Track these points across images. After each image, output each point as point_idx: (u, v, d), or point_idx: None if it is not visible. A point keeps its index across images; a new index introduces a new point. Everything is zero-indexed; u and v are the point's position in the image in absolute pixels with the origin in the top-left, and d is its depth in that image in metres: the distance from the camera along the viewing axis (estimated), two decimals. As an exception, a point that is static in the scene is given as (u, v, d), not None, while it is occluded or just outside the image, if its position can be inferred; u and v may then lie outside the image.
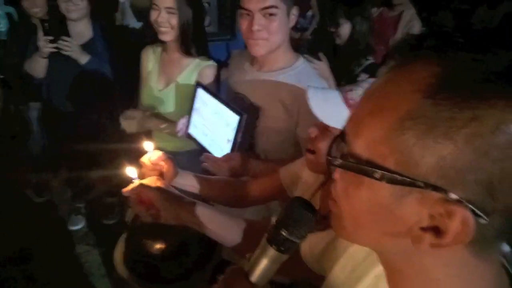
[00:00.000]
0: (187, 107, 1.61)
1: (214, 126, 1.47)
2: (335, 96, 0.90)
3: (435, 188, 0.36)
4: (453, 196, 0.36)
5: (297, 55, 1.45)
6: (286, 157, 1.27)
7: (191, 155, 1.71)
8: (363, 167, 0.40)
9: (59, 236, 2.55)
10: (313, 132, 0.94)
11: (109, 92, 2.12)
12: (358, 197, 0.42)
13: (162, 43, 1.77)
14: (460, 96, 0.35)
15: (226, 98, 1.53)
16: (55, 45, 1.95)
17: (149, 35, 1.85)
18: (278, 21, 1.31)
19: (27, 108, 2.60)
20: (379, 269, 0.52)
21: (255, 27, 1.30)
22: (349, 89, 0.89)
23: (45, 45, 1.96)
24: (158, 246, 0.99)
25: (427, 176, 0.37)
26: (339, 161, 0.43)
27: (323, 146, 0.92)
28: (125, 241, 1.06)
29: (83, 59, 2.01)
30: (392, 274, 0.48)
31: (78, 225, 2.63)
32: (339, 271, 0.64)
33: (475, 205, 0.36)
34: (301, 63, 1.43)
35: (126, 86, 2.04)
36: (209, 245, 1.00)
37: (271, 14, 1.30)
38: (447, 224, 0.37)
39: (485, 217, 0.36)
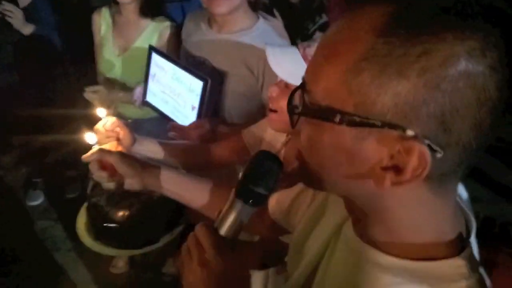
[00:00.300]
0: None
1: (175, 93, 1.41)
2: (293, 53, 0.89)
3: (392, 126, 0.37)
4: (410, 132, 0.37)
5: (257, 15, 1.41)
6: (253, 121, 1.25)
7: (155, 122, 1.66)
8: (323, 113, 0.40)
9: (17, 213, 2.46)
10: (274, 91, 0.93)
11: (58, 60, 2.00)
12: (321, 144, 0.43)
13: (115, 3, 1.66)
14: (411, 33, 0.36)
15: (184, 62, 1.46)
16: None
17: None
18: None
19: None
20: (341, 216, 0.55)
21: None
22: (307, 45, 0.88)
23: None
24: (121, 212, 0.97)
25: (383, 115, 0.37)
26: (299, 110, 0.44)
27: (284, 104, 0.90)
28: (86, 210, 1.02)
29: (27, 30, 1.87)
30: (356, 218, 0.50)
31: (37, 200, 2.53)
32: (304, 225, 0.65)
33: (431, 139, 0.37)
34: (262, 23, 1.39)
35: (78, 52, 1.93)
36: (176, 209, 0.99)
37: None
38: (405, 161, 0.38)
39: (440, 151, 0.37)
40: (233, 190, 0.57)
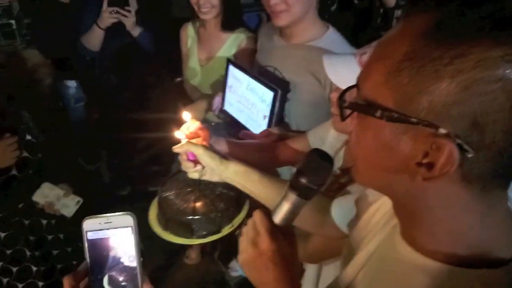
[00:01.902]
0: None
1: (249, 102, 1.49)
2: (350, 60, 0.93)
3: (426, 123, 0.40)
4: (442, 130, 0.40)
5: (326, 24, 1.44)
6: None
7: (232, 126, 1.78)
8: (367, 108, 0.45)
9: (104, 200, 2.76)
10: (335, 96, 0.98)
11: (153, 65, 2.21)
12: (366, 138, 0.47)
13: (199, 18, 1.83)
14: (449, 37, 0.39)
15: (257, 71, 1.55)
16: (117, 15, 2.01)
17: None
18: None
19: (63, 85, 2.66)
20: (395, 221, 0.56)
21: (272, 1, 1.33)
22: (363, 52, 0.92)
23: (109, 15, 2.02)
24: (187, 205, 1.09)
25: (419, 113, 0.41)
26: (347, 103, 0.49)
27: None
28: (157, 203, 1.16)
29: (136, 31, 2.09)
30: (402, 221, 0.53)
31: (124, 190, 2.84)
32: (363, 225, 0.69)
33: (462, 139, 0.39)
34: (332, 33, 1.42)
35: (170, 60, 2.13)
36: (237, 202, 1.10)
37: None
38: (436, 157, 0.41)
39: (471, 151, 0.39)
40: (288, 183, 0.63)
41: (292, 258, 0.64)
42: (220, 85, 1.71)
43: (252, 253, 0.62)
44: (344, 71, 0.93)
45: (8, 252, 1.52)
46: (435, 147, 0.41)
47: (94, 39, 2.13)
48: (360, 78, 0.48)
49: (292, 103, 1.46)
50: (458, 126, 0.39)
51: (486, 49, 0.38)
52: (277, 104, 1.37)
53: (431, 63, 0.39)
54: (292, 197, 0.63)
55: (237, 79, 1.54)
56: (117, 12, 2.01)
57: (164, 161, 2.64)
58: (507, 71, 0.37)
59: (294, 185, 0.63)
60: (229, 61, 1.58)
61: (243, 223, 1.07)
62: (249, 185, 0.95)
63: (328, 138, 1.16)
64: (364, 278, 0.59)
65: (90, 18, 2.10)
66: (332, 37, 1.42)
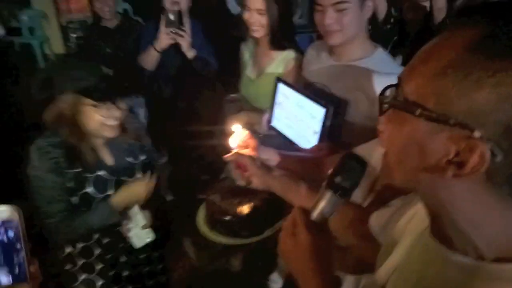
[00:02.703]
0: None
1: (298, 119, 1.54)
2: None
3: (463, 126, 0.44)
4: (477, 134, 0.44)
5: (375, 45, 1.48)
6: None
7: (280, 138, 1.83)
8: (407, 106, 0.49)
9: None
10: None
11: (210, 80, 2.33)
12: (400, 134, 0.51)
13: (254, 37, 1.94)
14: (495, 52, 0.43)
15: (304, 88, 1.60)
16: (174, 35, 2.11)
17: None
18: (350, 15, 1.36)
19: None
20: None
21: (327, 21, 1.37)
22: None
23: (166, 37, 2.12)
24: (232, 208, 1.19)
25: (457, 116, 0.45)
26: (388, 100, 0.53)
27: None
28: (205, 206, 1.27)
29: (190, 53, 2.20)
30: (433, 219, 0.56)
31: (174, 196, 2.99)
32: (399, 230, 0.73)
33: (493, 143, 0.43)
34: (380, 52, 1.46)
35: (228, 75, 2.24)
36: (280, 207, 1.16)
37: (342, 9, 1.35)
38: (468, 157, 0.44)
39: (501, 154, 0.43)
40: (324, 183, 0.70)
41: (328, 252, 0.69)
42: (268, 100, 1.78)
43: (290, 244, 0.68)
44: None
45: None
46: (468, 148, 0.44)
47: (149, 60, 2.24)
48: (402, 77, 0.52)
49: (345, 120, 1.48)
50: (491, 131, 0.43)
51: None
52: (328, 120, 1.41)
53: (476, 73, 0.44)
54: (328, 195, 0.69)
55: (286, 96, 1.60)
56: (175, 33, 2.11)
57: (214, 171, 2.76)
58: None
59: (329, 184, 0.69)
60: (278, 79, 1.64)
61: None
62: (292, 196, 1.01)
63: (374, 154, 1.19)
64: (398, 277, 0.63)
65: (147, 41, 2.24)
66: (380, 56, 1.46)
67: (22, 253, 0.68)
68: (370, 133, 1.41)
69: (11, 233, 0.67)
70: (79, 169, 1.36)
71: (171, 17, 2.08)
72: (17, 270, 0.68)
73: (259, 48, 1.98)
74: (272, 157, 1.22)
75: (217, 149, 2.23)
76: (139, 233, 1.48)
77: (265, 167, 1.06)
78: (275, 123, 1.70)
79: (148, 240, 1.51)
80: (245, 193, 1.22)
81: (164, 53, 2.25)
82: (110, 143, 1.42)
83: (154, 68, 2.29)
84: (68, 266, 1.50)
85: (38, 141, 1.33)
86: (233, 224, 1.17)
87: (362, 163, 0.68)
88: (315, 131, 1.46)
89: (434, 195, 0.51)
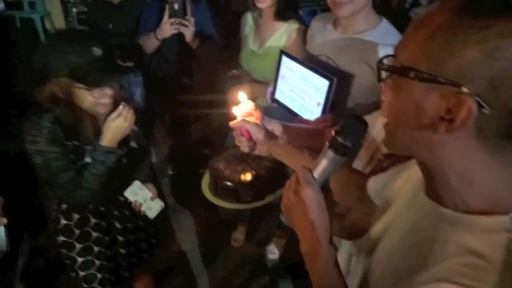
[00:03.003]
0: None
1: (303, 91, 1.55)
2: None
3: (453, 83, 0.48)
4: (465, 89, 0.47)
5: (380, 16, 1.49)
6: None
7: (282, 111, 1.82)
8: (402, 70, 0.53)
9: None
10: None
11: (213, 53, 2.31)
12: (399, 98, 0.56)
13: (257, 8, 1.93)
14: (479, 12, 0.47)
15: (308, 60, 1.60)
16: (178, 26, 2.04)
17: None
18: None
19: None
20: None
21: None
22: None
23: (169, 27, 2.04)
24: (235, 174, 1.22)
25: (447, 74, 0.48)
26: (385, 66, 0.57)
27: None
28: (209, 172, 1.31)
29: (194, 43, 2.15)
30: (427, 179, 0.60)
31: (174, 171, 3.04)
32: (394, 191, 0.76)
33: (480, 97, 0.47)
34: (385, 24, 1.46)
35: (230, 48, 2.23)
36: (281, 175, 1.19)
37: None
38: (457, 112, 0.48)
39: (488, 108, 0.47)
40: (326, 142, 0.72)
41: (328, 208, 0.72)
42: (271, 72, 1.76)
43: (293, 199, 0.72)
44: None
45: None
46: (457, 103, 0.48)
47: (149, 45, 2.20)
48: (398, 47, 0.56)
49: (348, 91, 1.51)
50: (478, 86, 0.47)
51: (509, 23, 0.45)
52: (332, 92, 1.43)
53: (462, 32, 0.47)
54: (330, 154, 0.71)
55: (290, 69, 1.60)
56: (178, 23, 2.05)
57: (214, 145, 2.80)
58: None
59: (331, 144, 0.71)
60: (282, 52, 1.64)
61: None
62: (295, 162, 1.03)
63: (376, 125, 1.21)
64: (392, 232, 0.67)
65: (149, 23, 2.18)
66: (385, 28, 1.46)
67: None
68: (373, 106, 1.46)
69: None
70: (77, 143, 1.39)
71: (175, 6, 2.03)
72: None
73: (262, 20, 1.97)
74: (276, 128, 1.25)
75: (216, 121, 2.26)
76: (150, 204, 1.61)
77: (269, 134, 1.07)
78: (278, 95, 1.71)
79: (161, 208, 1.63)
80: (248, 161, 1.24)
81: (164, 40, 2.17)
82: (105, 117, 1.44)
83: (152, 51, 2.26)
84: (64, 238, 1.55)
85: (33, 118, 1.34)
86: (236, 190, 1.20)
87: (363, 123, 0.71)
88: (319, 102, 1.48)
89: (430, 155, 0.55)
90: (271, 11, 1.89)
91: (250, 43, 2.02)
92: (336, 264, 0.70)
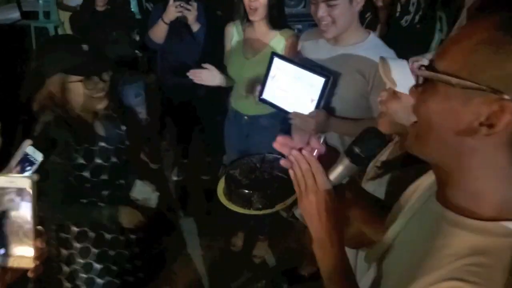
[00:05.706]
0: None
1: (295, 90, 1.63)
2: (402, 65, 1.07)
3: (495, 91, 0.52)
4: (506, 96, 0.52)
5: (368, 31, 1.64)
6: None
7: (269, 118, 1.98)
8: (445, 77, 0.56)
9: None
10: (383, 95, 1.13)
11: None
12: (434, 103, 0.59)
13: (247, 20, 1.97)
14: None
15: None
16: (181, 8, 2.23)
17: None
18: (340, 9, 1.50)
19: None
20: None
21: (319, 14, 1.52)
22: (416, 59, 1.06)
23: (174, 10, 2.23)
24: (249, 182, 1.31)
25: (489, 83, 0.53)
26: (427, 72, 0.59)
27: (391, 106, 1.10)
28: (225, 178, 1.40)
29: (195, 26, 2.34)
30: (440, 185, 0.64)
31: (179, 176, 3.12)
32: (404, 199, 0.80)
33: None
34: (373, 38, 1.61)
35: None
36: (290, 184, 1.27)
37: (332, 5, 1.49)
38: (500, 117, 0.52)
39: None
40: (344, 150, 0.77)
41: (340, 213, 0.77)
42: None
43: (314, 199, 0.74)
44: (397, 74, 1.07)
45: None
46: (500, 109, 0.52)
47: (158, 32, 2.38)
48: (436, 57, 0.60)
49: (336, 97, 1.62)
50: None
51: None
52: (327, 89, 1.52)
53: (505, 47, 0.53)
54: (346, 161, 0.76)
55: (282, 70, 1.68)
56: (182, 6, 2.23)
57: (216, 153, 2.89)
58: None
59: (349, 152, 0.76)
60: (274, 54, 1.72)
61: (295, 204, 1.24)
62: None
63: None
64: (405, 236, 0.71)
65: (156, 15, 2.37)
66: (373, 42, 1.60)
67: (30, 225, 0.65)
68: (362, 111, 1.56)
69: (24, 203, 0.64)
70: (85, 145, 1.43)
71: None
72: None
73: (253, 29, 2.01)
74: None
75: (219, 130, 2.33)
76: (151, 197, 1.63)
77: None
78: (266, 95, 1.76)
79: (157, 197, 1.63)
80: (262, 171, 1.33)
81: (171, 27, 2.35)
82: (102, 117, 1.51)
83: (162, 41, 2.42)
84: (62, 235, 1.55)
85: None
86: (249, 197, 1.28)
87: (381, 138, 0.75)
88: (313, 99, 1.58)
89: (456, 159, 0.59)
90: (264, 22, 1.95)
91: (241, 52, 2.05)
92: (346, 259, 0.75)
